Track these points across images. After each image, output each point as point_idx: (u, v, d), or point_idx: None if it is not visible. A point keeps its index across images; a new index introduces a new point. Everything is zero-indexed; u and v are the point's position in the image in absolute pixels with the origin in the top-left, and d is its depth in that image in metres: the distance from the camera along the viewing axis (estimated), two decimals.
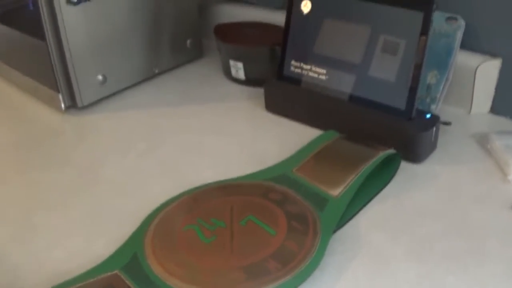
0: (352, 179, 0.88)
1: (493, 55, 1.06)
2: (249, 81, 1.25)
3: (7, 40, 1.26)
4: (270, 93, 1.14)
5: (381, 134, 0.97)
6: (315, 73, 1.06)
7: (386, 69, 0.99)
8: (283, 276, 0.72)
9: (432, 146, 0.99)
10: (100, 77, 1.18)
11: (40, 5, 1.07)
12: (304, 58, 1.08)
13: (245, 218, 0.82)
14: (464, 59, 1.07)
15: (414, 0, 0.95)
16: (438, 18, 1.05)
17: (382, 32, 0.99)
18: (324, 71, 1.05)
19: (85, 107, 1.19)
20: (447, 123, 1.04)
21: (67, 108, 1.18)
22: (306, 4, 1.07)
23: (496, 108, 1.09)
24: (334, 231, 0.82)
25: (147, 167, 1.01)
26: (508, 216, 0.85)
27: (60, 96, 1.16)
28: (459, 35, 1.05)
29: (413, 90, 0.96)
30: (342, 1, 1.03)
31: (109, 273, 0.75)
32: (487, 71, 1.06)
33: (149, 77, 1.31)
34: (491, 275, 0.75)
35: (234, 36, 1.26)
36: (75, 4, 1.08)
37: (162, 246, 0.79)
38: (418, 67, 0.95)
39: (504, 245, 0.79)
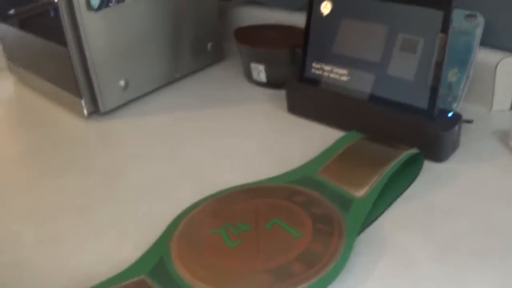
0: (376, 180, 0.88)
1: None
2: (270, 84, 1.26)
3: (29, 46, 1.27)
4: (292, 95, 1.14)
5: (403, 133, 0.97)
6: (336, 74, 1.06)
7: (405, 68, 0.99)
8: (309, 278, 0.72)
9: (455, 145, 0.99)
10: (122, 83, 1.19)
11: (61, 12, 1.07)
12: (324, 59, 1.08)
13: (270, 221, 0.82)
14: (484, 56, 1.07)
15: None
16: (457, 15, 1.05)
17: (400, 31, 0.99)
18: (345, 71, 1.05)
19: (107, 113, 1.19)
20: (469, 121, 1.04)
21: (90, 113, 1.18)
22: (326, 5, 1.07)
23: None
24: (359, 233, 0.82)
25: (171, 171, 1.01)
26: None
27: (83, 102, 1.16)
28: (479, 32, 1.04)
29: (434, 89, 0.96)
30: (361, 1, 1.03)
31: (136, 278, 0.76)
32: (508, 67, 1.06)
33: (170, 82, 1.31)
34: None
35: (255, 39, 1.26)
36: (96, 10, 1.09)
37: (188, 250, 0.79)
38: (439, 66, 0.95)
39: None
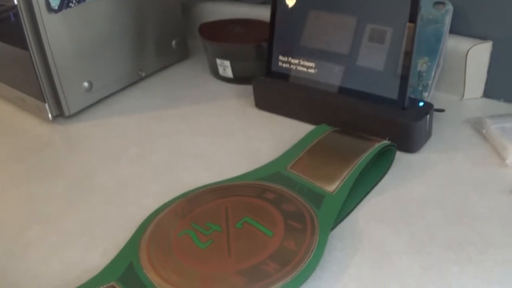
0: (348, 173, 0.87)
1: (484, 38, 1.05)
2: (237, 79, 1.24)
3: None
4: (259, 90, 1.13)
5: (374, 125, 0.96)
6: (304, 67, 1.05)
7: (374, 59, 0.98)
8: (283, 277, 0.71)
9: (427, 134, 0.98)
10: (86, 84, 1.17)
11: (21, 15, 1.05)
12: (291, 52, 1.06)
13: (241, 220, 0.81)
14: (454, 44, 1.06)
15: None
16: (425, 3, 1.04)
17: (368, 21, 0.98)
18: (312, 64, 1.04)
19: (72, 116, 1.17)
20: (440, 110, 1.03)
21: (55, 117, 1.16)
22: None
23: (489, 91, 1.08)
24: (333, 228, 0.80)
25: (140, 173, 0.99)
26: (508, 201, 0.84)
27: (47, 106, 1.14)
28: (448, 20, 1.04)
29: (404, 79, 0.94)
30: None
31: (105, 285, 0.74)
32: (478, 54, 1.05)
33: (135, 81, 1.29)
34: (496, 262, 0.74)
35: (220, 34, 1.24)
36: (56, 11, 1.07)
37: (158, 254, 0.77)
38: (408, 55, 0.94)
39: (506, 231, 0.78)
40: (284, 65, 1.07)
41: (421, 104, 0.96)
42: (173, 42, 1.35)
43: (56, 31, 1.09)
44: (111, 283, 0.74)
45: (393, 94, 0.96)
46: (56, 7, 1.06)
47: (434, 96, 1.08)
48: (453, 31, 1.05)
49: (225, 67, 1.22)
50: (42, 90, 1.12)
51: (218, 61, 1.23)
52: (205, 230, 0.80)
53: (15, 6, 1.05)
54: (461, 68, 1.07)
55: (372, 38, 0.98)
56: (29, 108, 1.21)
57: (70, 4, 1.09)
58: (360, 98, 0.99)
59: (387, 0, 0.96)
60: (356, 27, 0.99)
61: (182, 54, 1.39)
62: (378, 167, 0.92)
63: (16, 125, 1.19)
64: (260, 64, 1.17)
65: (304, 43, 1.05)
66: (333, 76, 1.02)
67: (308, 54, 1.05)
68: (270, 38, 1.09)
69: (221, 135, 1.07)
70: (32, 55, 1.09)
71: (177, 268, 0.75)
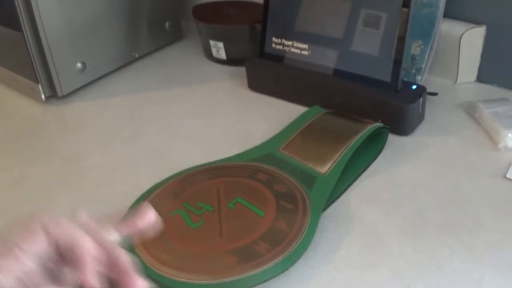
0: (340, 155, 0.87)
1: (477, 22, 1.05)
2: (230, 61, 1.24)
3: None
4: (252, 71, 1.12)
5: (367, 107, 0.96)
6: (297, 48, 1.05)
7: (368, 43, 0.97)
8: (275, 257, 0.71)
9: (420, 118, 0.98)
10: (79, 65, 1.16)
11: None
12: (285, 34, 1.06)
13: (233, 200, 0.81)
14: (448, 28, 1.06)
15: None
16: None
17: (363, 6, 0.98)
18: (306, 46, 1.04)
19: (65, 96, 1.17)
20: (433, 94, 1.03)
21: (48, 98, 1.16)
22: None
23: (482, 76, 1.08)
24: (325, 209, 0.81)
25: (132, 153, 0.99)
26: (500, 185, 0.84)
27: (40, 87, 1.14)
28: (442, 4, 1.03)
29: (398, 62, 0.94)
30: None
31: None
32: (472, 39, 1.05)
33: (129, 62, 1.29)
34: (486, 245, 0.74)
35: (213, 16, 1.24)
36: None
37: None
38: (401, 39, 0.94)
39: (497, 214, 0.79)
40: (278, 46, 1.07)
41: (414, 87, 0.96)
42: (167, 24, 1.34)
43: (50, 12, 1.08)
44: None
45: (386, 76, 0.95)
46: None
47: (427, 79, 1.08)
48: (447, 15, 1.05)
49: (219, 49, 1.22)
50: (35, 70, 1.12)
51: (212, 42, 1.22)
52: (197, 210, 0.80)
53: None
54: (454, 52, 1.07)
55: (367, 23, 0.98)
56: (22, 89, 1.20)
57: None
58: (354, 80, 0.99)
59: None
60: (351, 12, 0.99)
61: (176, 36, 1.38)
62: (371, 149, 0.92)
63: (9, 106, 1.18)
64: (253, 45, 1.16)
65: (298, 26, 1.05)
66: (327, 59, 1.02)
67: (302, 36, 1.04)
68: (264, 19, 1.09)
69: (213, 117, 1.07)
70: (25, 36, 1.08)
71: (168, 247, 0.75)
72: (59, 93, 1.15)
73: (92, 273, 0.49)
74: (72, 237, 0.50)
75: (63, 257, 0.51)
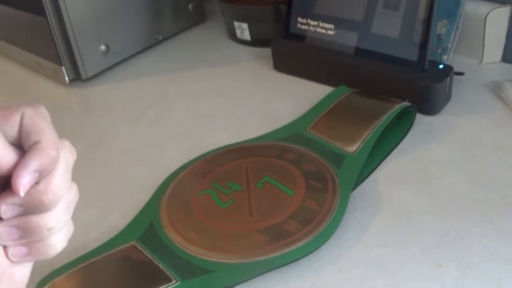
0: (368, 134, 0.86)
1: (502, 2, 1.04)
2: (255, 42, 1.23)
3: (7, 19, 1.24)
4: (277, 52, 1.12)
5: (393, 87, 0.95)
6: (323, 28, 1.04)
7: (389, 26, 0.97)
8: (305, 236, 0.71)
9: (447, 97, 0.97)
10: (103, 47, 1.16)
11: None
12: (310, 14, 1.06)
13: (261, 180, 0.81)
14: (473, 7, 1.05)
15: None
16: None
17: None
18: (331, 26, 1.03)
19: (89, 79, 1.17)
20: (460, 73, 1.02)
21: (72, 81, 1.16)
22: None
23: (508, 56, 1.07)
24: (354, 188, 0.80)
25: (158, 134, 0.99)
26: None
27: (64, 69, 1.14)
28: None
29: (424, 42, 0.94)
30: None
31: (126, 244, 0.74)
32: (497, 19, 1.04)
33: (152, 45, 1.29)
34: None
35: None
36: None
37: (179, 214, 0.78)
38: (427, 22, 0.93)
39: None
40: (303, 26, 1.07)
41: (441, 66, 0.96)
42: (190, 5, 1.34)
43: None
44: (132, 242, 0.74)
45: (413, 56, 0.95)
46: None
47: (453, 59, 1.07)
48: None
49: (243, 30, 1.21)
50: (59, 53, 1.12)
51: (236, 23, 1.22)
52: (226, 190, 0.80)
53: None
54: (480, 32, 1.06)
55: (387, 5, 0.97)
56: (46, 72, 1.21)
57: None
58: (379, 60, 0.98)
59: None
60: None
61: (199, 17, 1.38)
62: (398, 129, 0.91)
63: (33, 89, 1.19)
64: (278, 26, 1.16)
65: (319, 11, 1.04)
66: (352, 39, 1.01)
67: (325, 17, 1.04)
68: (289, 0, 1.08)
69: (239, 97, 1.07)
70: (49, 19, 1.09)
71: (197, 227, 0.75)
72: (83, 76, 1.15)
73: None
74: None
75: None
